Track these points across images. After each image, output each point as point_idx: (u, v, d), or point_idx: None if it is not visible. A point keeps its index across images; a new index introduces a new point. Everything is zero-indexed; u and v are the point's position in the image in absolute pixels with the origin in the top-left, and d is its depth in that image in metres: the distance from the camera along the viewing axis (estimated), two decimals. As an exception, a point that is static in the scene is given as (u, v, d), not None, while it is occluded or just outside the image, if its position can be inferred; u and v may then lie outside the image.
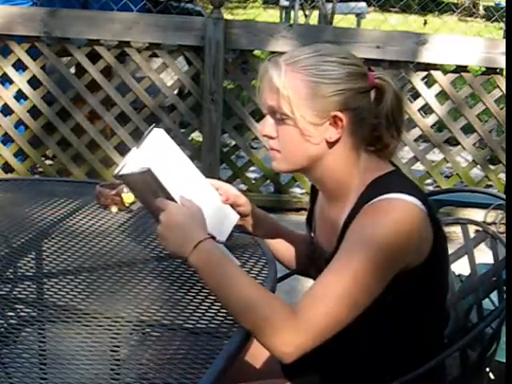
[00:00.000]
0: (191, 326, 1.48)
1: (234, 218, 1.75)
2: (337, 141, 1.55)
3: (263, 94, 1.59)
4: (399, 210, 1.47)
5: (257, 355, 1.79)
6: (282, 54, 1.62)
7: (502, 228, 1.82)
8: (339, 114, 1.53)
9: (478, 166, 4.49)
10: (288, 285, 2.19)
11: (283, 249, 1.88)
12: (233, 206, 1.77)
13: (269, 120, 1.59)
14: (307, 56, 1.55)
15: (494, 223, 1.98)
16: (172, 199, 1.61)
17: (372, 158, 1.61)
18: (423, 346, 1.63)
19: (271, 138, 1.60)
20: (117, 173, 1.70)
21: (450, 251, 2.01)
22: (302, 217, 4.41)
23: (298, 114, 1.53)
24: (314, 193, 1.79)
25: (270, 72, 1.55)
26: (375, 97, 1.57)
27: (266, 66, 1.57)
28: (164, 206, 1.58)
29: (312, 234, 1.78)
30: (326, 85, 1.52)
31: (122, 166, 1.71)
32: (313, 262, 1.77)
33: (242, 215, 1.81)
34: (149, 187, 1.63)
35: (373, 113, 1.57)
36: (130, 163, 1.72)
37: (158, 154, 1.69)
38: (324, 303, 1.41)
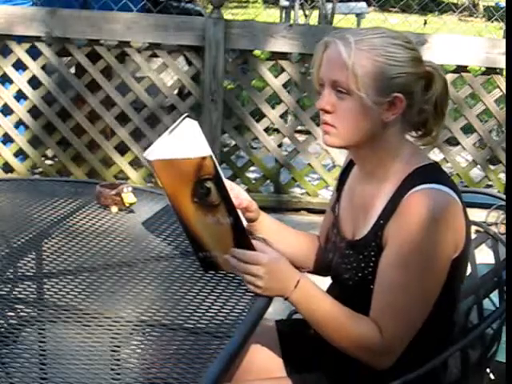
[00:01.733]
0: (191, 325, 1.48)
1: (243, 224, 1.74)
2: (391, 122, 1.60)
3: (326, 68, 1.60)
4: (435, 200, 1.54)
5: (258, 351, 1.79)
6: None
7: (503, 228, 1.82)
8: (400, 96, 1.57)
9: (478, 166, 4.49)
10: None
11: (295, 251, 1.90)
12: (243, 210, 1.78)
13: (328, 94, 1.60)
14: (375, 36, 1.59)
15: (494, 224, 1.98)
16: (224, 189, 1.57)
17: (415, 145, 1.67)
18: (429, 344, 1.64)
19: (328, 112, 1.61)
20: (148, 156, 1.57)
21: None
22: (302, 217, 4.41)
23: (363, 91, 1.56)
24: (343, 177, 1.82)
25: (339, 47, 1.57)
26: (425, 83, 1.62)
27: (333, 40, 1.59)
28: (255, 260, 1.57)
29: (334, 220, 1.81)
30: (392, 66, 1.57)
31: (152, 150, 1.58)
32: (325, 253, 1.80)
33: (251, 221, 1.84)
34: (195, 175, 1.56)
35: (423, 98, 1.62)
36: (162, 148, 1.60)
37: (197, 144, 1.62)
38: (400, 317, 1.55)
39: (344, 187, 1.81)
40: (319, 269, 1.91)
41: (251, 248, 1.58)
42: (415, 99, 1.60)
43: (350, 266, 1.66)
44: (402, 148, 1.64)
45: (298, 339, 1.81)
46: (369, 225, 1.63)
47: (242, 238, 1.61)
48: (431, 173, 1.60)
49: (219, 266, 1.67)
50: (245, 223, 1.69)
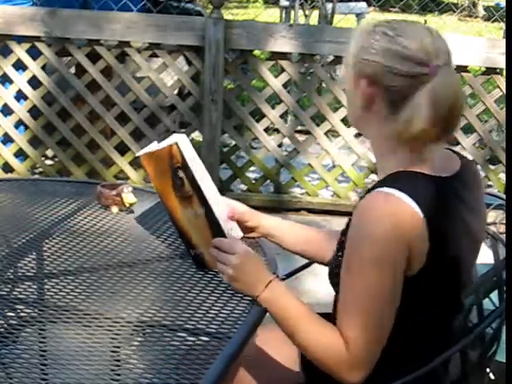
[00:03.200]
0: (192, 326, 1.48)
1: (238, 235, 1.75)
2: (366, 108, 1.58)
3: None
4: (384, 201, 1.48)
5: (267, 341, 1.80)
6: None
7: (502, 228, 1.82)
8: (364, 82, 1.55)
9: (478, 166, 4.49)
10: (288, 285, 2.18)
11: (304, 245, 1.91)
12: (239, 222, 1.80)
13: None
14: (382, 24, 1.58)
15: (494, 223, 1.98)
16: (193, 178, 1.62)
17: (418, 150, 1.57)
18: (430, 345, 1.63)
19: None
20: (139, 153, 1.72)
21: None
22: (301, 217, 4.41)
23: (347, 72, 1.61)
24: None
25: (348, 46, 1.63)
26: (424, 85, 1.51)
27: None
28: (231, 247, 1.60)
29: None
30: (364, 50, 1.56)
31: (144, 152, 1.72)
32: None
33: (252, 229, 1.85)
34: (169, 165, 1.64)
35: (406, 98, 1.53)
36: (150, 147, 1.74)
37: (186, 151, 1.67)
38: (358, 324, 1.49)
39: None
40: (306, 256, 1.93)
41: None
42: (394, 96, 1.53)
43: (334, 265, 1.65)
44: (401, 147, 1.57)
45: None
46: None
47: (217, 228, 1.65)
48: (400, 178, 1.53)
49: (208, 264, 1.70)
50: (240, 234, 1.74)
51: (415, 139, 1.52)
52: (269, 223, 1.89)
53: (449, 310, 1.66)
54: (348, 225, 1.58)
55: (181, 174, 1.64)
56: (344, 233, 1.60)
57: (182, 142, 1.65)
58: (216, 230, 1.66)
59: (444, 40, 1.56)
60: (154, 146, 1.71)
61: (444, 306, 1.63)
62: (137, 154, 1.72)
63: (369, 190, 1.55)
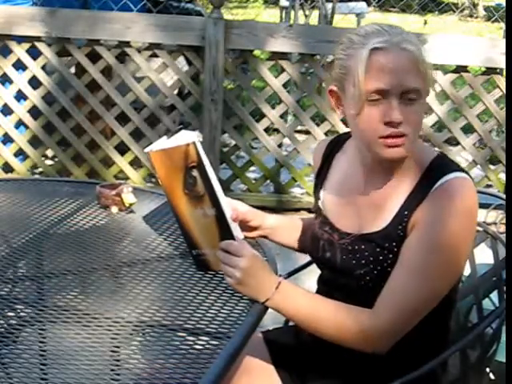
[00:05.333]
0: (191, 326, 1.48)
1: (239, 236, 1.75)
2: None
3: (395, 76, 1.53)
4: (470, 189, 1.55)
5: (250, 365, 1.77)
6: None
7: (502, 228, 1.82)
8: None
9: (478, 166, 4.49)
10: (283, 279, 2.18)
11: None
12: (241, 221, 1.79)
13: (398, 104, 1.54)
14: (409, 34, 1.58)
15: (494, 223, 1.98)
16: (207, 178, 1.61)
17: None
18: (429, 345, 1.64)
19: (402, 122, 1.55)
20: (148, 149, 1.68)
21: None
22: (302, 217, 4.40)
23: (429, 89, 1.58)
24: (323, 167, 1.81)
25: (411, 50, 1.53)
26: None
27: (394, 46, 1.53)
28: (239, 250, 1.59)
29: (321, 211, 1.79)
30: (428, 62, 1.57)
31: (152, 146, 1.69)
32: (316, 251, 1.79)
33: (255, 228, 1.85)
34: (183, 164, 1.63)
35: None
36: (160, 143, 1.70)
37: (201, 151, 1.67)
38: (399, 305, 1.52)
39: (324, 187, 1.79)
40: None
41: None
42: None
43: (364, 260, 1.62)
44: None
45: (288, 348, 1.80)
46: (387, 217, 1.60)
47: (226, 231, 1.63)
48: (450, 162, 1.60)
49: (210, 266, 1.69)
50: (241, 235, 1.71)
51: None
52: (271, 222, 1.88)
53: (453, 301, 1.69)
54: (401, 218, 1.58)
55: (195, 173, 1.62)
56: (398, 224, 1.59)
57: (198, 141, 1.64)
58: (225, 232, 1.64)
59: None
60: (164, 143, 1.69)
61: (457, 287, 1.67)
62: (145, 150, 1.69)
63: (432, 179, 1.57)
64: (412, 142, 1.56)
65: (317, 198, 1.80)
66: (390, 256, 1.58)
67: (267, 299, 1.56)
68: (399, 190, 1.60)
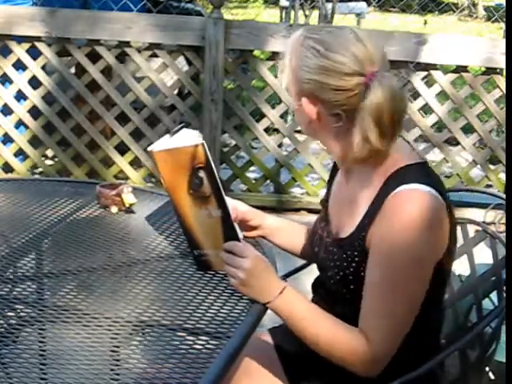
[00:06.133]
0: (191, 326, 1.48)
1: (239, 237, 1.75)
2: (316, 124, 1.61)
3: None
4: (419, 202, 1.51)
5: (256, 365, 1.79)
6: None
7: (501, 228, 1.82)
8: (306, 101, 1.58)
9: (478, 166, 4.49)
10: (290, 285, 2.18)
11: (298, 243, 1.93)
12: (241, 221, 1.80)
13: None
14: (311, 34, 1.60)
15: (493, 223, 1.98)
16: (215, 179, 1.61)
17: (403, 143, 1.63)
18: (423, 345, 1.64)
19: None
20: (151, 148, 1.66)
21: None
22: (301, 217, 4.41)
23: (289, 87, 1.62)
24: (333, 172, 1.84)
25: (285, 51, 1.63)
26: (364, 95, 1.53)
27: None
28: (243, 251, 1.59)
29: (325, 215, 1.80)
30: (300, 70, 1.57)
31: (155, 145, 1.68)
32: (311, 244, 1.81)
33: (254, 228, 1.86)
34: (190, 165, 1.62)
35: (353, 110, 1.55)
36: (164, 142, 1.69)
37: (193, 137, 1.68)
38: (385, 322, 1.52)
39: (334, 182, 1.82)
40: (305, 256, 1.94)
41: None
42: (335, 109, 1.56)
43: (333, 263, 1.65)
44: (367, 152, 1.58)
45: (294, 344, 1.80)
46: (354, 224, 1.61)
47: (231, 232, 1.63)
48: (414, 172, 1.57)
49: (212, 266, 1.69)
50: (241, 235, 1.71)
51: (376, 147, 1.54)
52: (270, 222, 1.89)
53: (443, 293, 1.69)
54: (364, 224, 1.58)
55: (201, 174, 1.61)
56: (361, 230, 1.59)
57: (204, 142, 1.65)
58: (230, 233, 1.64)
59: (375, 42, 1.57)
60: (167, 142, 1.68)
61: (443, 289, 1.67)
62: (149, 148, 1.66)
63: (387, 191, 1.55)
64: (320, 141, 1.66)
65: (328, 191, 1.84)
66: (353, 264, 1.60)
67: (268, 302, 1.56)
68: (366, 195, 1.61)
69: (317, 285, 1.77)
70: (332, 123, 1.58)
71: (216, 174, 1.62)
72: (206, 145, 1.61)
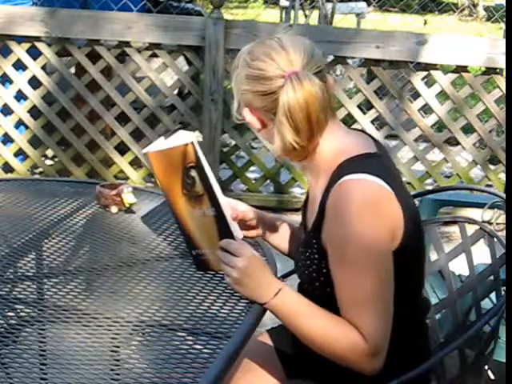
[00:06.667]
0: (191, 326, 1.48)
1: (238, 236, 1.75)
2: (262, 129, 1.68)
3: None
4: (360, 189, 1.52)
5: (256, 367, 1.79)
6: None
7: (499, 226, 1.83)
8: (246, 111, 1.68)
9: (478, 166, 4.49)
10: (288, 285, 2.18)
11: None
12: (241, 220, 1.80)
13: None
14: (248, 50, 1.64)
15: (490, 222, 1.99)
16: (206, 178, 1.62)
17: (349, 138, 1.64)
18: (407, 338, 1.64)
19: None
20: (146, 150, 1.68)
21: (449, 250, 2.01)
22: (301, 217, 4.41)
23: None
24: None
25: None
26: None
27: None
28: (237, 250, 1.59)
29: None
30: (236, 82, 1.64)
31: (150, 147, 1.69)
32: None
33: (254, 228, 1.85)
34: (181, 164, 1.63)
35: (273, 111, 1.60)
36: (158, 144, 1.70)
37: (199, 151, 1.68)
38: (367, 310, 1.52)
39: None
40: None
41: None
42: (267, 113, 1.62)
43: (300, 263, 1.66)
44: (324, 143, 1.61)
45: (293, 344, 1.80)
46: (311, 223, 1.64)
47: (226, 230, 1.64)
48: (356, 163, 1.57)
49: (210, 265, 1.69)
50: (240, 234, 1.71)
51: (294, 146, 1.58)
52: (270, 223, 1.89)
53: (418, 285, 1.70)
54: (318, 221, 1.59)
55: (193, 173, 1.62)
56: (316, 229, 1.60)
57: (196, 141, 1.65)
58: (224, 231, 1.64)
59: (301, 45, 1.60)
60: (161, 143, 1.69)
61: (415, 281, 1.67)
62: (143, 151, 1.70)
63: (334, 181, 1.56)
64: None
65: (307, 194, 1.83)
66: (315, 262, 1.61)
67: (265, 303, 1.56)
68: (319, 191, 1.62)
69: (299, 288, 1.77)
70: (271, 127, 1.63)
71: (207, 173, 1.62)
72: (196, 143, 1.62)
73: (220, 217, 1.63)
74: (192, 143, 1.61)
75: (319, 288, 1.62)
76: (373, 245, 1.52)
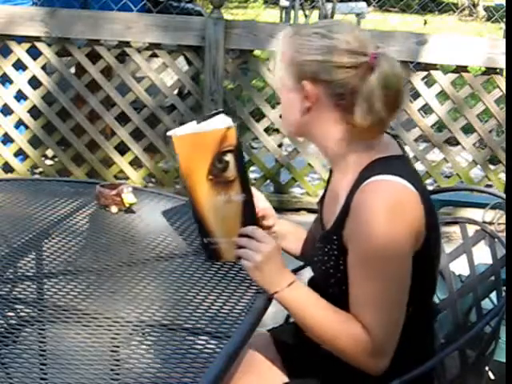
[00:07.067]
0: (191, 326, 1.48)
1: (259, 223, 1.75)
2: (313, 109, 1.61)
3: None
4: (387, 190, 1.53)
5: (257, 364, 1.79)
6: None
7: (501, 227, 1.83)
8: (308, 83, 1.59)
9: (478, 166, 4.49)
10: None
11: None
12: (259, 219, 1.78)
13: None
14: (306, 26, 1.64)
15: (492, 223, 1.99)
16: (242, 163, 1.61)
17: (379, 136, 1.64)
18: (414, 340, 1.64)
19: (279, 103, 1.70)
20: (172, 133, 1.65)
21: (450, 250, 2.01)
22: (301, 217, 4.41)
23: (283, 80, 1.63)
24: (331, 171, 1.83)
25: (277, 47, 1.65)
26: (363, 75, 1.56)
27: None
28: (264, 237, 1.61)
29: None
30: (299, 54, 1.59)
31: (177, 130, 1.68)
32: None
33: (268, 228, 1.83)
34: (215, 148, 1.61)
35: (355, 89, 1.57)
36: (187, 128, 1.69)
37: (222, 121, 1.67)
38: (379, 312, 1.52)
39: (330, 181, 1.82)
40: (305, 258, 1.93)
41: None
42: (338, 89, 1.57)
43: (316, 258, 1.66)
44: (357, 139, 1.61)
45: (294, 344, 1.80)
46: (333, 218, 1.63)
47: (252, 217, 1.64)
48: (385, 164, 1.58)
49: (221, 255, 1.69)
50: None
51: (373, 127, 1.57)
52: (283, 225, 1.88)
53: (431, 289, 1.70)
54: (341, 218, 1.58)
55: (228, 157, 1.61)
56: (338, 226, 1.60)
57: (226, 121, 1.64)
58: (250, 218, 1.64)
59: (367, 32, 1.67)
60: (191, 127, 1.67)
61: (430, 285, 1.67)
62: (168, 133, 1.66)
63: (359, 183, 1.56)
64: (288, 128, 1.69)
65: (324, 192, 1.84)
66: (332, 258, 1.61)
67: (276, 292, 1.58)
68: (344, 189, 1.62)
69: (310, 283, 1.77)
70: (333, 103, 1.59)
71: (243, 159, 1.61)
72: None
73: (249, 203, 1.63)
74: (235, 127, 1.60)
75: (334, 285, 1.61)
76: (395, 247, 1.52)
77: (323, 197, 1.81)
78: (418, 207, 1.55)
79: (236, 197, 1.63)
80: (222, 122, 1.65)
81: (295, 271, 2.00)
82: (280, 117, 1.71)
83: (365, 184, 1.54)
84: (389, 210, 1.51)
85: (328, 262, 1.62)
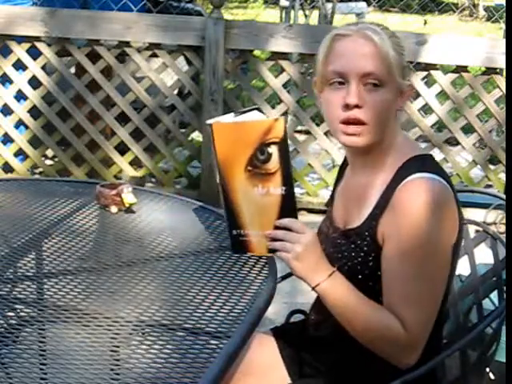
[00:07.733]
0: (191, 325, 1.48)
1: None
2: (398, 111, 1.66)
3: (352, 60, 1.57)
4: (431, 189, 1.54)
5: (258, 363, 1.79)
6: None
7: (502, 228, 1.82)
8: (411, 83, 1.67)
9: (478, 166, 4.49)
10: (288, 285, 2.18)
11: None
12: None
13: (357, 88, 1.57)
14: (385, 28, 1.64)
15: (494, 223, 1.98)
16: (287, 154, 1.59)
17: (407, 134, 1.67)
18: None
19: (361, 107, 1.57)
20: (212, 121, 1.63)
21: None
22: (302, 217, 4.39)
23: (398, 79, 1.61)
24: (341, 169, 1.84)
25: (371, 37, 1.58)
26: None
27: (356, 32, 1.59)
28: (303, 228, 1.60)
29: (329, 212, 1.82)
30: (404, 55, 1.64)
31: (217, 119, 1.66)
32: None
33: None
34: (259, 139, 1.59)
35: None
36: (228, 117, 1.67)
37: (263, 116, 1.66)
38: (415, 307, 1.54)
39: (340, 183, 1.82)
40: None
41: None
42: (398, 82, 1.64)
43: (340, 254, 1.65)
44: (397, 137, 1.66)
45: (297, 344, 1.80)
46: (364, 215, 1.63)
47: (291, 210, 1.63)
48: (424, 162, 1.61)
49: (250, 248, 1.68)
50: None
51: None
52: None
53: (450, 286, 1.70)
54: (375, 214, 1.59)
55: (271, 149, 1.59)
56: (371, 222, 1.61)
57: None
58: (289, 211, 1.63)
59: None
60: (230, 118, 1.65)
61: (450, 282, 1.67)
62: (207, 121, 1.62)
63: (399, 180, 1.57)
64: (374, 133, 1.59)
65: (333, 192, 1.85)
66: (361, 254, 1.61)
67: (318, 284, 1.58)
68: (376, 186, 1.63)
69: None
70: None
71: (289, 151, 1.61)
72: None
73: (290, 196, 1.63)
74: (284, 118, 1.59)
75: (361, 281, 1.61)
76: (438, 245, 1.55)
77: (332, 197, 1.81)
78: (454, 205, 1.59)
79: (275, 190, 1.62)
80: (258, 117, 1.64)
81: (287, 276, 2.00)
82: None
83: (406, 181, 1.55)
84: (436, 208, 1.53)
85: (355, 258, 1.62)
